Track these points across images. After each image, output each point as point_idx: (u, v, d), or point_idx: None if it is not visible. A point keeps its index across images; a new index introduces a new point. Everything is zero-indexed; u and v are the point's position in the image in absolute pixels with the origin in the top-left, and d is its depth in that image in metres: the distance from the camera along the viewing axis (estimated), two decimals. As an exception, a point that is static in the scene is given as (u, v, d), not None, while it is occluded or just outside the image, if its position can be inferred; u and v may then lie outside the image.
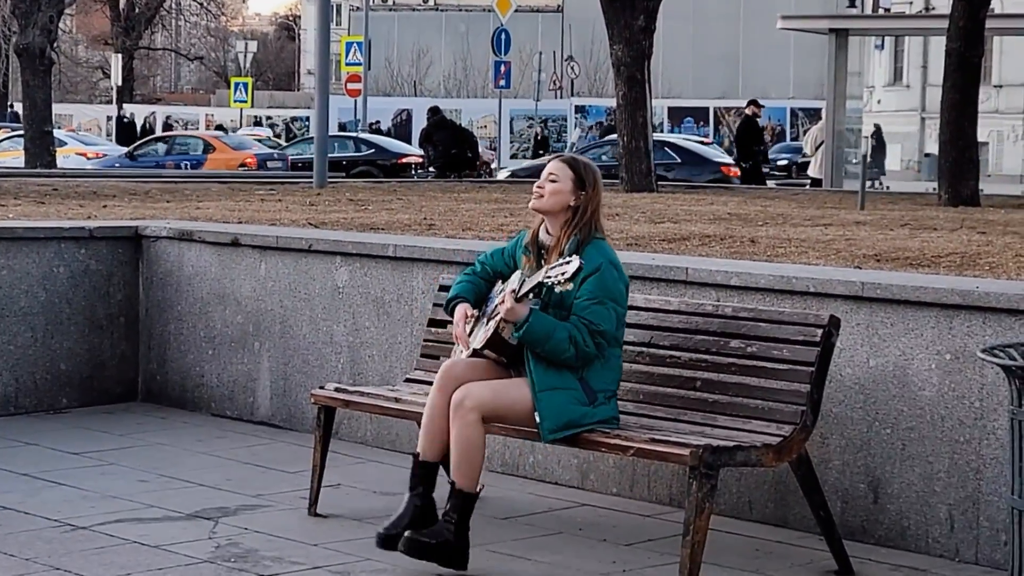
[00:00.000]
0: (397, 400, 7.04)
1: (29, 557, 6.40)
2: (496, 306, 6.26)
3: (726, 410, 6.42)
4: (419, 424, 6.59)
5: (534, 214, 6.43)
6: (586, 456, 7.63)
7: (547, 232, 6.29)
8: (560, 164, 6.30)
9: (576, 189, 6.23)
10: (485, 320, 6.40)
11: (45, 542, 6.64)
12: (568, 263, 6.06)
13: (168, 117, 59.03)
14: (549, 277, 6.08)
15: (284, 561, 6.48)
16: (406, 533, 6.11)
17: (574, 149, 32.84)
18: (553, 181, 6.25)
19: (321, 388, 7.39)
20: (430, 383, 6.63)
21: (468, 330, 6.38)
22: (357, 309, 8.83)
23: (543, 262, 6.23)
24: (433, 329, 7.48)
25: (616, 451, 6.21)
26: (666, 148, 31.11)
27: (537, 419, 6.14)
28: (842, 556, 6.44)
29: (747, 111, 31.06)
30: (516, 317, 6.10)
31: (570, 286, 6.08)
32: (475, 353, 6.37)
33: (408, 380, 7.52)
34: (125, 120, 51.51)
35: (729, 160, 31.78)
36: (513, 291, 6.10)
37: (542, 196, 6.29)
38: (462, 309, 6.41)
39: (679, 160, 31.20)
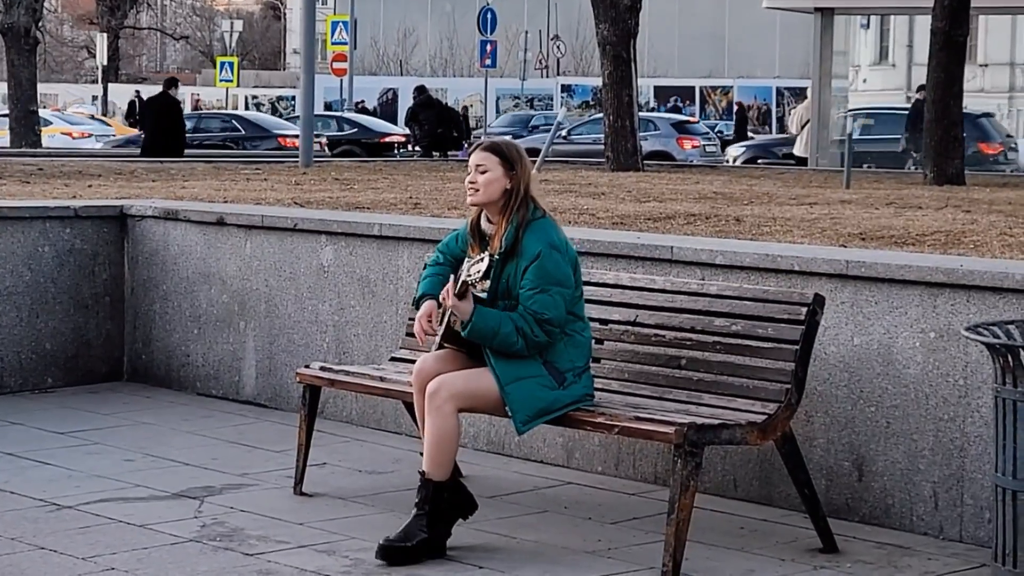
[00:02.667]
0: (382, 379, 7.02)
1: (14, 536, 6.37)
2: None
3: (711, 388, 6.41)
4: (405, 404, 6.55)
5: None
6: (571, 435, 7.62)
7: (487, 220, 6.26)
8: (484, 153, 6.23)
9: (507, 172, 6.18)
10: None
11: (30, 522, 6.61)
12: (480, 261, 6.13)
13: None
14: (470, 275, 6.15)
15: (269, 540, 6.46)
16: (380, 541, 6.08)
17: (562, 128, 32.72)
18: (483, 172, 6.19)
19: (306, 367, 7.36)
20: (415, 361, 6.59)
21: (439, 321, 6.35)
22: (342, 288, 8.82)
23: (488, 248, 6.23)
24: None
25: (601, 429, 6.19)
26: (233, 120, 34.97)
27: (508, 411, 6.12)
28: (827, 534, 6.44)
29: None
30: (462, 315, 6.09)
31: (487, 283, 6.09)
32: (442, 346, 6.40)
33: (393, 359, 7.50)
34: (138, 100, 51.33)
35: (289, 132, 33.02)
36: (450, 286, 6.11)
37: (477, 190, 6.22)
38: (426, 308, 6.41)
39: (243, 132, 33.98)
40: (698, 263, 7.27)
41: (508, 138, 6.38)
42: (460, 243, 6.52)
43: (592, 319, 6.60)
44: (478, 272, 6.09)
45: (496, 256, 6.10)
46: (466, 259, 6.34)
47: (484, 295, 6.19)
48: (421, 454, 6.24)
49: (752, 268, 7.12)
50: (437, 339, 6.38)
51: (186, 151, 26.87)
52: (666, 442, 6.02)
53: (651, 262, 7.43)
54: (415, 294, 6.55)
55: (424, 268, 6.65)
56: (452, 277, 6.26)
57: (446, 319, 6.29)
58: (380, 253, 8.64)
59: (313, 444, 7.26)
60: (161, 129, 26.59)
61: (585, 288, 6.43)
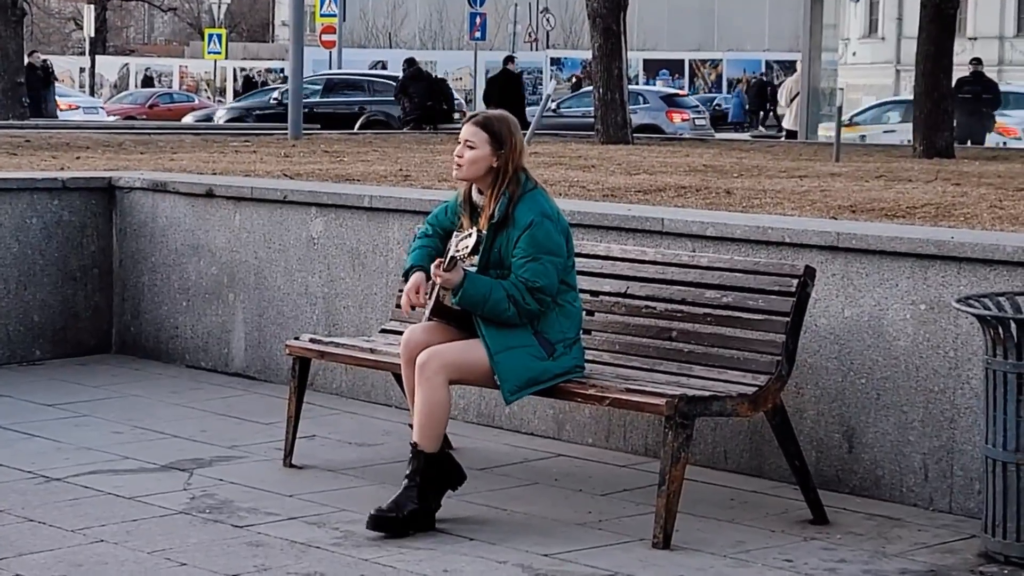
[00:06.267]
0: (372, 351, 7.00)
1: (3, 509, 6.34)
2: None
3: (702, 360, 6.40)
4: (395, 376, 6.52)
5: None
6: (562, 406, 7.61)
7: (479, 192, 6.23)
8: (473, 128, 6.17)
9: (494, 150, 6.13)
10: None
11: (19, 494, 6.59)
12: (468, 236, 6.09)
13: (147, 69, 58.65)
14: (459, 251, 6.12)
15: (259, 512, 6.44)
16: (371, 511, 6.05)
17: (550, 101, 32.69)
18: (471, 147, 6.15)
19: (296, 339, 7.33)
20: (400, 333, 6.57)
21: (427, 295, 6.34)
22: (332, 260, 8.79)
23: (478, 220, 6.20)
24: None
25: (592, 401, 6.18)
26: None
27: (497, 381, 6.11)
28: (817, 505, 6.43)
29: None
30: (451, 284, 6.07)
31: (475, 259, 6.06)
32: (431, 320, 6.38)
33: (383, 331, 7.47)
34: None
35: None
36: (440, 261, 6.09)
37: (462, 166, 6.19)
38: (414, 280, 6.37)
39: None
40: (689, 235, 7.25)
41: (503, 112, 6.34)
42: (450, 214, 6.51)
43: (583, 290, 6.58)
44: (466, 248, 6.08)
45: (484, 232, 6.11)
46: (455, 233, 6.32)
47: (473, 269, 6.19)
48: (411, 426, 6.25)
49: (743, 240, 7.08)
50: (427, 312, 6.37)
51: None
52: (657, 414, 6.02)
53: (642, 234, 7.41)
54: (404, 266, 6.50)
55: (413, 240, 6.62)
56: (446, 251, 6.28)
57: (435, 294, 6.27)
58: (370, 225, 8.61)
59: (302, 416, 7.23)
60: (507, 103, 26.88)
61: (576, 260, 6.41)
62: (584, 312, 6.45)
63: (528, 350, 6.11)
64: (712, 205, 9.69)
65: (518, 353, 6.11)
